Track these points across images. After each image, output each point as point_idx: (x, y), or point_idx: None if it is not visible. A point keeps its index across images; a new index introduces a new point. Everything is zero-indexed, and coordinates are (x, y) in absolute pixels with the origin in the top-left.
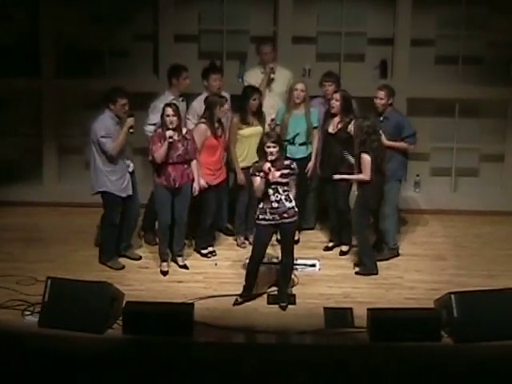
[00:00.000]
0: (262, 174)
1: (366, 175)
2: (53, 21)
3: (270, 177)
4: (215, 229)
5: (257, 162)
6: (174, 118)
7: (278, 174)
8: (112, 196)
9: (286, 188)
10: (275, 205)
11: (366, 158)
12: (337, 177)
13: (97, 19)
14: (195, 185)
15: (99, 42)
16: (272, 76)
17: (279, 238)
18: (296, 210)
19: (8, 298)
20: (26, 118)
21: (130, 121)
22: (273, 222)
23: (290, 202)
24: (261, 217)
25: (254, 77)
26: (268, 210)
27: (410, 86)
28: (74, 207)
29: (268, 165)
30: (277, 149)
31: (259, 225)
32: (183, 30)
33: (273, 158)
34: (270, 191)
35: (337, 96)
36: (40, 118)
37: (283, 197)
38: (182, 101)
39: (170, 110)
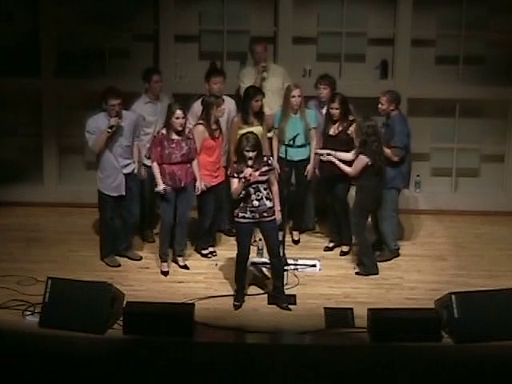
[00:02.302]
0: (242, 178)
1: (352, 171)
2: (53, 21)
3: (251, 178)
4: (216, 229)
5: (235, 162)
6: (183, 121)
7: (257, 173)
8: (101, 194)
9: (265, 186)
10: (256, 203)
11: (363, 160)
12: (328, 156)
13: (97, 19)
14: (198, 184)
15: (99, 42)
16: (265, 75)
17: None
18: (274, 209)
19: (8, 298)
20: (26, 118)
21: (112, 121)
22: (252, 221)
23: (270, 201)
24: (240, 215)
25: (248, 76)
26: (248, 209)
27: (411, 86)
28: (74, 207)
29: (249, 171)
30: (255, 153)
31: (239, 223)
32: (184, 30)
33: (252, 162)
34: (251, 190)
35: (335, 105)
36: (40, 118)
37: (264, 195)
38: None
39: (179, 113)
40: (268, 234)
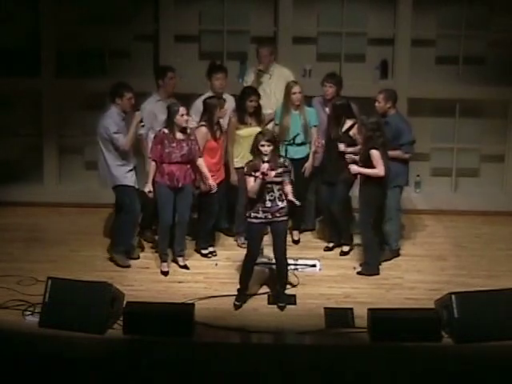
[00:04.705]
0: (259, 175)
1: (379, 170)
2: (53, 21)
3: (267, 177)
4: (215, 229)
5: (250, 161)
6: (188, 117)
7: (273, 173)
8: (127, 188)
9: (279, 187)
10: (269, 204)
11: (376, 153)
12: (353, 169)
13: (97, 19)
14: (211, 182)
15: (99, 42)
16: (263, 79)
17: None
18: (287, 209)
19: (8, 298)
20: (26, 118)
21: (139, 115)
22: (264, 221)
23: (283, 201)
24: (253, 215)
25: (251, 78)
26: (261, 209)
27: (411, 86)
28: (74, 207)
29: (266, 166)
30: (271, 147)
31: (251, 223)
32: (184, 30)
33: (268, 157)
34: (265, 190)
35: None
36: (40, 118)
37: (277, 196)
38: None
39: (183, 109)
40: (277, 233)
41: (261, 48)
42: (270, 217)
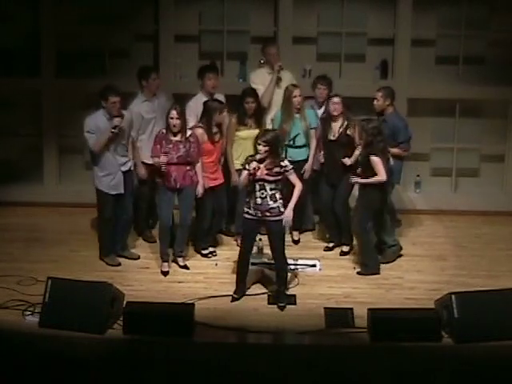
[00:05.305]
0: (247, 170)
1: (381, 176)
2: (53, 21)
3: (258, 173)
4: (215, 229)
5: (252, 155)
6: (178, 122)
7: (265, 171)
8: (101, 192)
9: (273, 186)
10: (259, 201)
11: (376, 160)
12: (354, 180)
13: (97, 19)
14: (199, 187)
15: (99, 42)
16: (281, 74)
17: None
18: (282, 210)
19: (8, 298)
20: (26, 118)
21: (116, 121)
22: (255, 218)
23: (275, 201)
24: (245, 210)
25: (260, 78)
26: (252, 205)
27: (411, 86)
28: (74, 207)
29: (253, 164)
30: (266, 148)
31: (244, 218)
32: (184, 29)
33: (260, 156)
34: (257, 187)
35: (337, 100)
36: (40, 118)
37: (269, 195)
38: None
39: (174, 113)
40: (271, 233)
41: (268, 47)
42: (260, 215)
